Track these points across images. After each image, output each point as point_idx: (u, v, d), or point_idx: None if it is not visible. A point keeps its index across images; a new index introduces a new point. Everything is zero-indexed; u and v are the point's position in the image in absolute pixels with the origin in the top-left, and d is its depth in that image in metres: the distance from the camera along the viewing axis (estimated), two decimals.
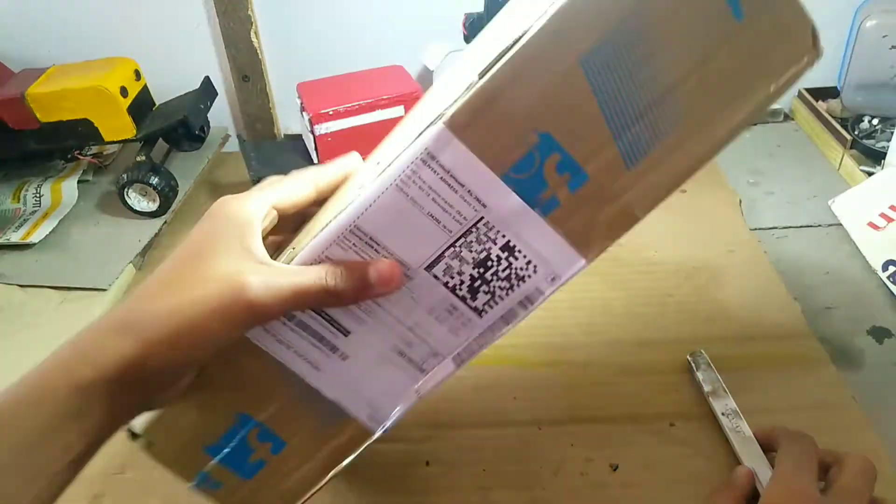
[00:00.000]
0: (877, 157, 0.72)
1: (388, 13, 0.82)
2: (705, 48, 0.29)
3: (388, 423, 0.36)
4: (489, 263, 0.32)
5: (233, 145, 0.90)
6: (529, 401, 0.50)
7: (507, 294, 0.33)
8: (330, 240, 0.32)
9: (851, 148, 0.75)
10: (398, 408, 0.36)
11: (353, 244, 0.32)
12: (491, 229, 0.31)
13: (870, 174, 0.70)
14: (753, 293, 0.59)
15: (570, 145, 0.30)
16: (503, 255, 0.32)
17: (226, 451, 0.36)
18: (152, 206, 0.72)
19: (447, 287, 0.33)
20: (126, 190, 0.71)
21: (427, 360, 0.35)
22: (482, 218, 0.31)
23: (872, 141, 0.76)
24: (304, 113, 0.65)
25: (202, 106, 0.76)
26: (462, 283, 0.32)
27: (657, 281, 0.61)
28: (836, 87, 0.83)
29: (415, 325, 0.34)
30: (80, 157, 0.80)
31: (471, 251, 0.32)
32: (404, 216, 0.31)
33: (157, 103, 0.77)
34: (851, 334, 0.55)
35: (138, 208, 0.72)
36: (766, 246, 0.65)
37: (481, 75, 0.28)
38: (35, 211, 0.75)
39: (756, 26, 0.29)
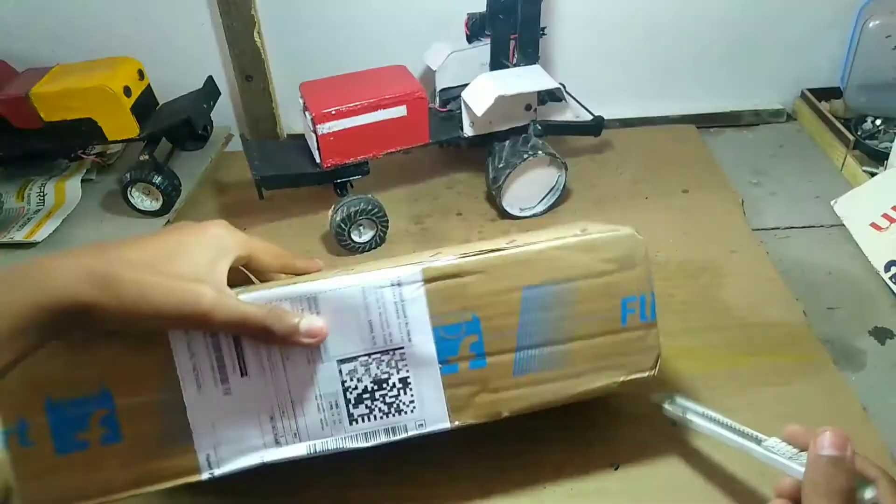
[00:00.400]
0: (880, 158, 0.72)
1: (391, 13, 0.82)
2: (598, 331, 0.41)
3: (217, 472, 0.38)
4: (384, 385, 0.39)
5: (235, 145, 0.90)
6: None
7: (381, 416, 0.39)
8: (287, 295, 0.38)
9: (854, 148, 0.75)
10: (237, 463, 0.38)
11: (301, 308, 0.38)
12: (402, 360, 0.39)
13: (872, 175, 0.70)
14: (755, 293, 0.59)
15: (487, 336, 0.39)
16: (398, 386, 0.39)
17: (65, 414, 0.37)
18: (155, 206, 0.72)
19: (343, 385, 0.39)
20: (129, 189, 0.71)
21: (287, 435, 0.38)
22: (402, 348, 0.39)
23: (875, 142, 0.75)
24: (306, 112, 0.65)
25: (205, 105, 0.76)
26: (356, 388, 0.39)
27: (659, 281, 0.60)
28: (839, 88, 0.83)
29: (299, 401, 0.38)
30: (83, 156, 0.80)
31: (378, 368, 0.39)
32: (352, 311, 0.38)
33: (161, 102, 0.77)
34: (853, 335, 0.55)
35: (141, 207, 0.72)
36: (769, 246, 0.65)
37: (461, 256, 0.39)
38: (39, 210, 0.75)
39: (628, 336, 0.41)
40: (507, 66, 0.71)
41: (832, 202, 0.69)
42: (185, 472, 0.38)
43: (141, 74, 0.74)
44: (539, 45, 0.71)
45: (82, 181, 0.78)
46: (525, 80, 0.68)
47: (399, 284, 0.39)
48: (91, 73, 0.71)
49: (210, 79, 0.78)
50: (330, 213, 0.66)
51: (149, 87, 0.75)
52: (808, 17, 0.82)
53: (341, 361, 0.39)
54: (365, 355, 0.39)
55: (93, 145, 0.78)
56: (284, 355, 0.38)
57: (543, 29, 0.71)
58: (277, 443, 0.38)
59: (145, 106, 0.73)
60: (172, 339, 0.37)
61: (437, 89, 0.76)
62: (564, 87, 0.72)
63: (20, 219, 0.73)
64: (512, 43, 0.71)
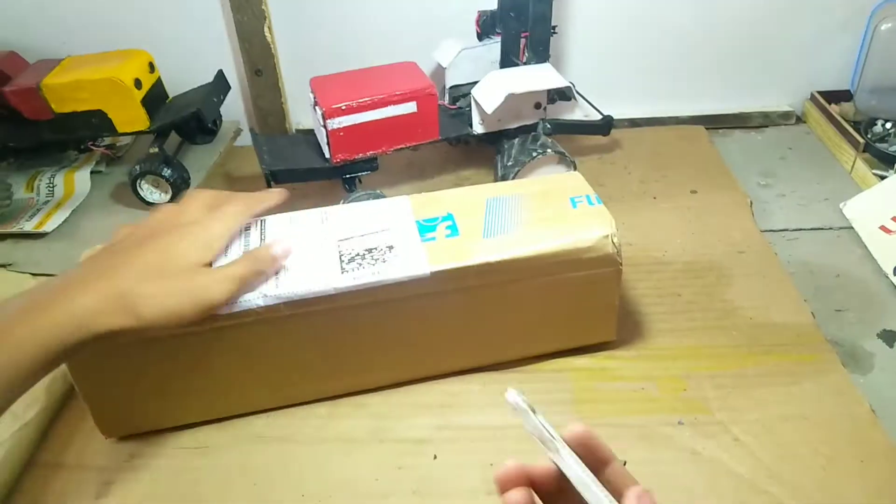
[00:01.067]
0: (890, 161, 0.72)
1: (402, 9, 0.82)
2: (553, 213, 0.51)
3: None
4: (373, 251, 0.48)
5: (244, 139, 0.90)
6: (540, 404, 0.50)
7: (369, 266, 0.46)
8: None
9: (864, 151, 0.74)
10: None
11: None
12: (388, 235, 0.49)
13: (882, 178, 0.70)
14: (763, 294, 0.59)
15: (459, 221, 0.50)
16: (384, 249, 0.48)
17: None
18: (164, 198, 0.72)
19: (339, 253, 0.48)
20: (139, 181, 0.71)
21: (284, 284, 0.45)
22: (388, 229, 0.49)
23: (885, 145, 0.75)
24: (316, 107, 0.65)
25: (215, 99, 0.76)
26: (349, 253, 0.47)
27: (665, 280, 0.61)
28: (849, 91, 0.83)
29: (299, 261, 0.47)
30: (93, 147, 0.80)
31: (369, 241, 0.49)
32: (355, 214, 0.52)
33: (171, 96, 0.77)
34: (862, 337, 0.55)
35: (150, 199, 0.73)
36: (777, 248, 0.65)
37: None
38: (48, 201, 0.75)
39: (578, 213, 0.51)
40: (518, 65, 0.71)
41: (841, 205, 0.69)
42: None
43: (152, 67, 0.74)
44: (549, 44, 0.71)
45: (91, 173, 0.78)
46: (535, 78, 0.68)
47: (390, 203, 0.53)
48: (102, 64, 0.71)
49: (220, 73, 0.78)
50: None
51: (159, 80, 0.75)
52: (818, 19, 0.82)
53: (340, 240, 0.49)
54: (358, 236, 0.49)
55: (102, 137, 0.79)
56: (295, 240, 0.48)
57: (554, 27, 0.71)
58: (277, 286, 0.45)
59: (156, 99, 0.74)
60: None
61: (447, 86, 0.76)
62: (574, 86, 0.72)
63: (29, 209, 0.74)
64: (522, 41, 0.71)
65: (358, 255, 0.47)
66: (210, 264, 0.44)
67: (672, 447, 0.46)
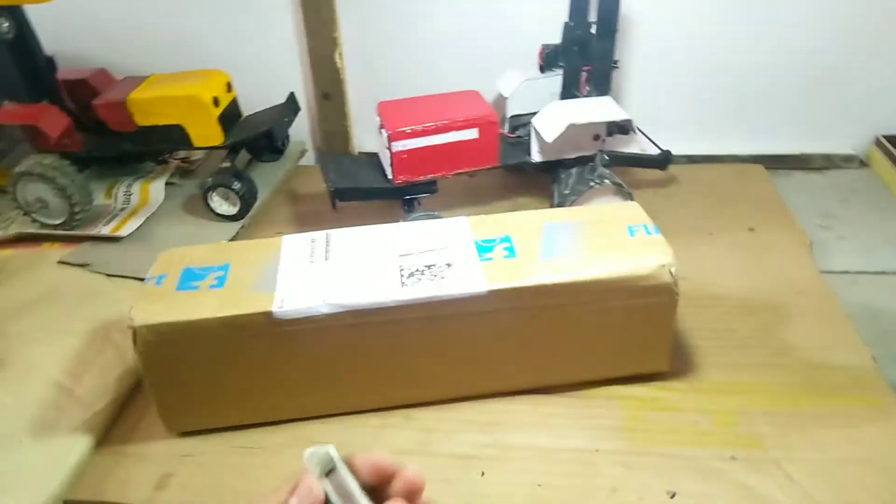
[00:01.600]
0: None
1: (467, 40, 0.85)
2: (609, 241, 0.52)
3: (285, 307, 0.46)
4: (432, 266, 0.49)
5: (308, 159, 0.94)
6: (589, 429, 0.50)
7: (428, 282, 0.48)
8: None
9: None
10: (302, 304, 0.46)
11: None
12: (448, 254, 0.50)
13: None
14: (822, 334, 0.57)
15: (517, 244, 0.51)
16: (444, 267, 0.49)
17: (192, 272, 0.50)
18: (232, 210, 0.76)
19: (399, 268, 0.49)
20: (210, 193, 0.75)
21: (349, 294, 0.47)
22: (447, 248, 0.51)
23: None
24: (382, 130, 0.68)
25: (286, 119, 0.80)
26: (409, 268, 0.49)
27: (720, 315, 0.60)
28: None
29: (362, 274, 0.49)
30: (169, 160, 0.85)
31: (428, 258, 0.50)
32: (416, 232, 0.53)
33: (244, 114, 0.81)
34: None
35: (220, 211, 0.76)
36: (837, 290, 0.63)
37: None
38: (124, 208, 0.79)
39: (636, 242, 0.52)
40: (578, 97, 0.73)
41: None
42: (259, 305, 0.46)
43: (229, 87, 0.78)
44: (611, 78, 0.72)
45: (166, 184, 0.82)
46: (596, 110, 0.70)
47: (450, 223, 0.55)
48: (184, 82, 0.75)
49: (292, 95, 0.82)
50: None
51: (235, 100, 0.79)
52: (886, 64, 0.81)
53: (401, 255, 0.50)
54: (419, 252, 0.51)
55: (178, 151, 0.83)
56: (358, 251, 0.51)
57: (616, 62, 0.72)
58: (338, 296, 0.47)
59: (230, 116, 0.78)
60: (284, 240, 0.53)
61: (508, 115, 0.78)
62: (632, 121, 0.73)
63: (107, 215, 0.78)
64: (584, 74, 0.73)
65: (418, 270, 0.49)
66: None
67: (724, 481, 0.46)
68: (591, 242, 0.51)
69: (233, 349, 0.48)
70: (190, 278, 0.49)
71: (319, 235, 0.53)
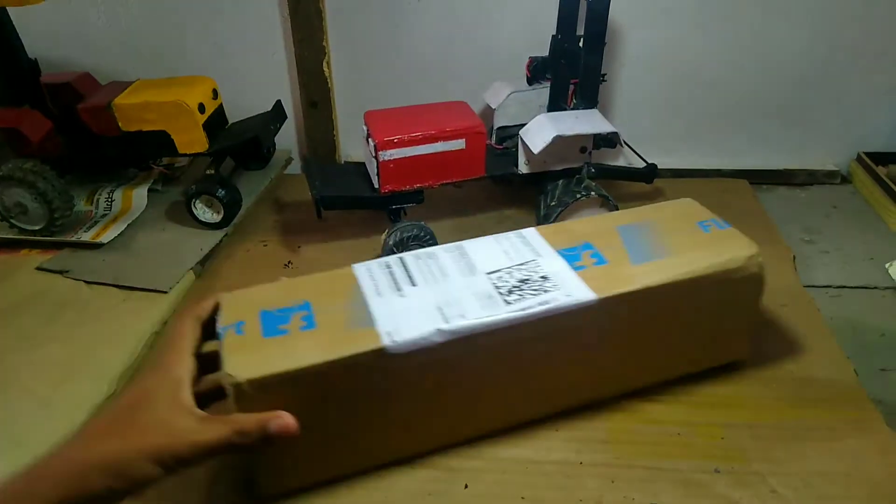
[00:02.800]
0: None
1: (455, 51, 0.85)
2: (688, 238, 0.52)
3: (397, 339, 0.43)
4: (528, 281, 0.47)
5: (293, 168, 0.93)
6: (574, 441, 0.50)
7: (532, 296, 0.46)
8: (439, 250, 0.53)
9: None
10: (414, 332, 0.43)
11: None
12: (537, 266, 0.49)
13: None
14: (804, 348, 0.58)
15: (601, 249, 0.51)
16: (540, 280, 0.48)
17: (273, 316, 0.45)
18: (216, 218, 0.75)
19: (494, 286, 0.47)
20: (194, 200, 0.74)
21: (455, 317, 0.44)
22: (534, 260, 0.50)
23: None
24: (369, 139, 0.68)
25: (272, 127, 0.79)
26: (506, 285, 0.47)
27: None
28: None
29: (460, 297, 0.46)
30: (152, 166, 0.84)
31: (520, 273, 0.49)
32: (490, 246, 0.52)
33: (230, 122, 0.81)
34: None
35: (203, 219, 0.75)
36: (820, 304, 0.64)
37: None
38: (106, 214, 0.78)
39: (713, 236, 0.52)
40: (566, 109, 0.73)
41: (887, 265, 0.68)
42: (368, 341, 0.43)
43: (215, 94, 0.78)
44: (598, 91, 0.73)
45: (149, 190, 0.81)
46: (583, 122, 0.70)
47: (521, 236, 0.53)
48: (169, 88, 0.75)
49: (278, 103, 0.82)
50: (383, 236, 0.68)
51: (221, 107, 0.79)
52: (868, 82, 0.83)
53: (489, 273, 0.48)
54: (506, 268, 0.49)
55: (162, 157, 0.82)
56: (441, 273, 0.49)
57: (604, 75, 0.72)
58: (447, 322, 0.44)
59: (216, 123, 0.77)
60: (355, 270, 0.49)
61: (495, 127, 0.78)
62: (619, 134, 0.73)
63: (87, 221, 0.77)
64: (571, 87, 0.73)
65: (515, 286, 0.47)
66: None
67: (708, 495, 0.45)
68: (671, 241, 0.51)
69: (340, 393, 0.43)
70: (273, 322, 0.44)
71: (393, 261, 0.50)
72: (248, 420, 0.39)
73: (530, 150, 0.69)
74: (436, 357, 0.43)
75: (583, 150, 0.72)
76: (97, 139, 0.76)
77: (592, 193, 0.69)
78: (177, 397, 0.39)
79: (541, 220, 0.71)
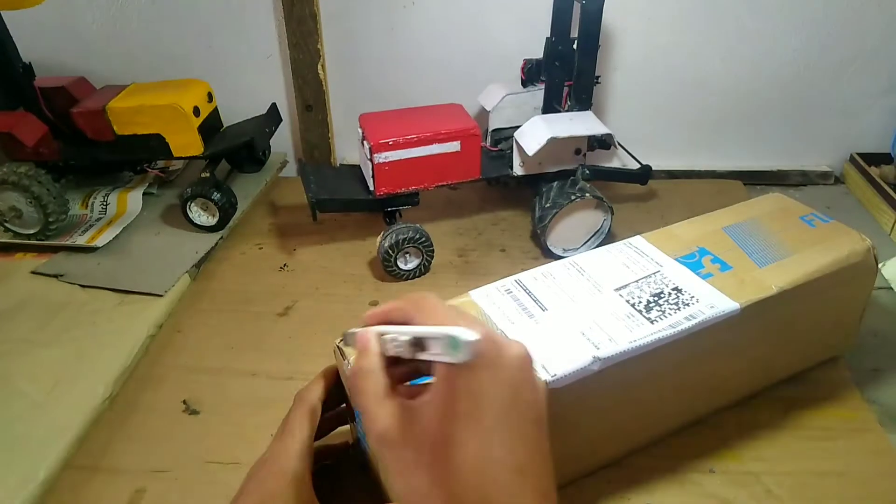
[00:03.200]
0: None
1: (450, 54, 0.85)
2: (797, 235, 0.52)
3: (554, 372, 0.40)
4: (662, 295, 0.46)
5: (289, 171, 0.94)
6: None
7: (674, 312, 0.44)
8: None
9: None
10: (569, 366, 0.40)
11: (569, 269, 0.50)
12: (664, 278, 0.48)
13: None
14: None
15: (718, 253, 0.50)
16: (674, 293, 0.46)
17: None
18: (212, 221, 0.75)
19: (628, 302, 0.45)
20: (189, 203, 0.74)
21: (603, 341, 0.42)
22: (658, 271, 0.48)
23: None
24: (364, 142, 0.68)
25: (267, 130, 0.79)
26: (641, 301, 0.45)
27: None
28: (889, 154, 0.83)
29: (599, 319, 0.44)
30: (148, 170, 0.84)
31: (649, 287, 0.47)
32: (605, 260, 0.50)
33: (225, 125, 0.81)
34: None
35: (198, 222, 0.75)
36: None
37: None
38: (101, 218, 0.78)
39: (821, 231, 0.52)
40: (560, 112, 0.73)
41: (880, 265, 0.68)
42: None
43: (210, 97, 0.78)
44: (592, 93, 0.73)
45: (144, 194, 0.81)
46: (577, 124, 0.70)
47: (632, 245, 0.52)
48: (164, 91, 0.75)
49: (273, 106, 0.82)
50: (379, 239, 0.68)
51: (216, 110, 0.79)
52: (861, 83, 0.83)
53: (617, 289, 0.47)
54: (633, 282, 0.47)
55: (157, 160, 0.82)
56: (567, 295, 0.46)
57: (598, 78, 0.73)
58: (598, 348, 0.42)
59: (211, 127, 0.77)
60: (474, 297, 0.47)
61: (490, 129, 0.79)
62: (613, 136, 0.73)
63: (82, 225, 0.77)
64: (566, 89, 0.73)
65: (650, 301, 0.45)
66: None
67: (703, 494, 0.46)
68: (785, 238, 0.51)
69: None
70: None
71: (511, 284, 0.48)
72: None
73: (525, 152, 0.69)
74: (591, 385, 0.41)
75: (577, 151, 0.72)
76: (92, 143, 0.75)
77: (587, 195, 0.69)
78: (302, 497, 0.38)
79: (536, 221, 0.71)
